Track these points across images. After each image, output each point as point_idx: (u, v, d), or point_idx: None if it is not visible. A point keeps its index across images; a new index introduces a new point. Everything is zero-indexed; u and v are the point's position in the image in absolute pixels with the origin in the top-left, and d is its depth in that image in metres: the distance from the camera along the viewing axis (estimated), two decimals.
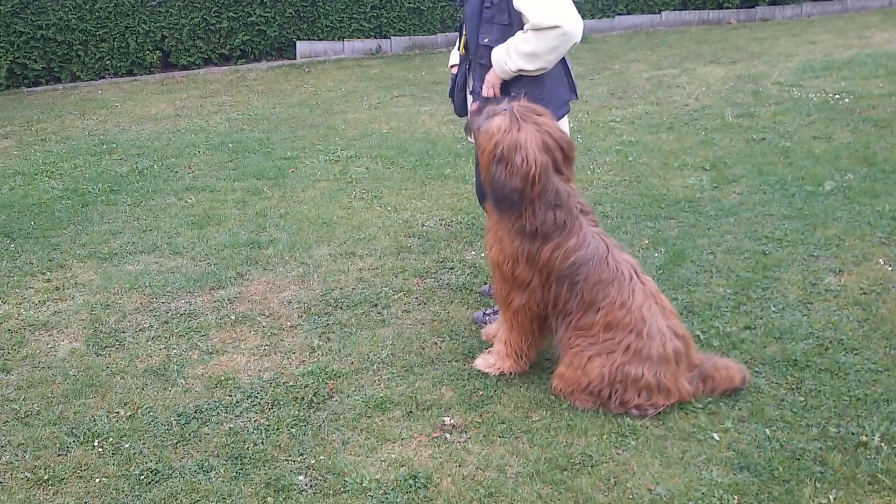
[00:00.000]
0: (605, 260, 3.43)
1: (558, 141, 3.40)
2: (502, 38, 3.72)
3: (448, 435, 3.34)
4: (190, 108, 8.86)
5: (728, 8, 12.87)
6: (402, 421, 3.45)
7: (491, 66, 3.77)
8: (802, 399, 3.47)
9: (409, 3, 11.43)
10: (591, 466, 3.12)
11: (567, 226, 3.41)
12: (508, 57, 3.66)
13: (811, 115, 7.28)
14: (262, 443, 3.34)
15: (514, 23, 3.69)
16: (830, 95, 7.86)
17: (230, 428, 3.45)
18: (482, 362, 3.77)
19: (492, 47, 3.77)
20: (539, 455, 3.19)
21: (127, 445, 3.36)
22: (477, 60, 3.89)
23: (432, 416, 3.46)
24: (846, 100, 7.67)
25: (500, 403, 3.53)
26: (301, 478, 3.14)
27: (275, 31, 10.90)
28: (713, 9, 12.84)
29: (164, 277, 4.83)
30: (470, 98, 4.04)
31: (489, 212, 3.61)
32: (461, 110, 4.16)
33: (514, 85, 3.75)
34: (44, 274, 4.95)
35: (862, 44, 10.44)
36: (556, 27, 3.52)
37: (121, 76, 10.36)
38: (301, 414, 3.52)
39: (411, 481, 3.08)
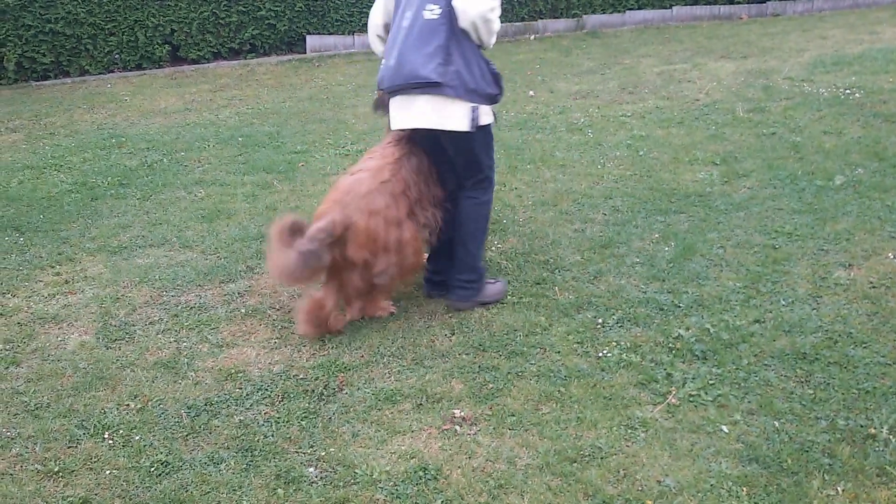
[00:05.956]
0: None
1: None
2: None
3: (458, 427, 3.35)
4: (199, 102, 8.87)
5: (739, 3, 12.82)
6: (412, 413, 3.46)
7: None
8: (811, 392, 3.46)
9: None
10: (601, 458, 3.13)
11: None
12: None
13: (822, 110, 7.25)
14: (273, 435, 3.35)
15: None
16: (841, 90, 7.82)
17: (240, 420, 3.46)
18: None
19: None
20: (549, 447, 3.20)
21: (137, 437, 3.37)
22: None
23: (442, 409, 3.47)
24: (857, 95, 7.63)
25: (510, 396, 3.54)
26: (311, 470, 3.15)
27: (284, 25, 10.90)
28: (724, 4, 12.78)
29: (173, 271, 4.85)
30: None
31: None
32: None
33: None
34: (53, 267, 4.96)
35: (873, 39, 10.38)
36: None
37: (130, 70, 10.37)
38: (311, 406, 3.53)
39: (421, 473, 3.09)
